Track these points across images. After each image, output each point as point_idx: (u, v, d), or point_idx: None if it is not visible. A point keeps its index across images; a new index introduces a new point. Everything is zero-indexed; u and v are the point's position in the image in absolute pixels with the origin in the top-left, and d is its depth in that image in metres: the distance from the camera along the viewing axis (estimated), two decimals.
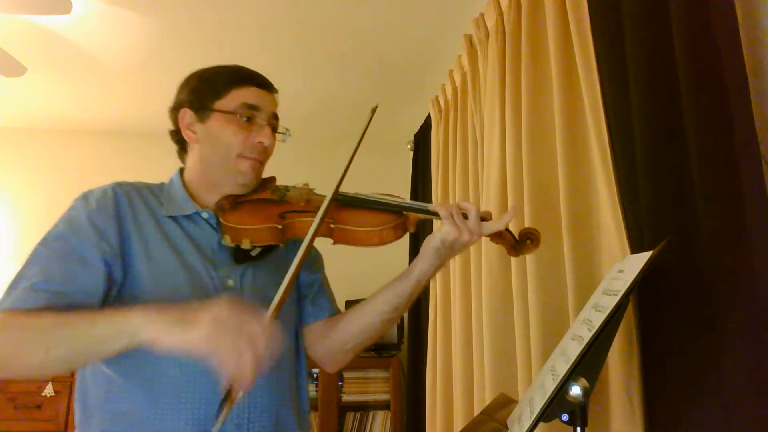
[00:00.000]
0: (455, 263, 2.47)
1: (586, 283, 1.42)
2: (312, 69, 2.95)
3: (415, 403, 3.31)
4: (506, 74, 1.90)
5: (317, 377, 3.44)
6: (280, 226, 1.09)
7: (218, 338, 0.82)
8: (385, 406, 3.49)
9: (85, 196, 1.09)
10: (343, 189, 1.11)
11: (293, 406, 1.14)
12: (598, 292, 1.12)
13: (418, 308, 3.37)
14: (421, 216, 1.14)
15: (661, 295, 1.15)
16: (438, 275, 2.75)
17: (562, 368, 0.93)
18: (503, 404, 1.20)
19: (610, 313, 0.93)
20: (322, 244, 1.16)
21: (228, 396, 0.83)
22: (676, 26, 1.10)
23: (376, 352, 3.54)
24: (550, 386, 0.92)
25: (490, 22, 2.13)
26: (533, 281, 1.60)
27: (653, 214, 1.17)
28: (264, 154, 1.16)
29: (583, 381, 0.89)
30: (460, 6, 2.34)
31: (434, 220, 1.16)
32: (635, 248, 1.22)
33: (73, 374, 1.11)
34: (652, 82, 1.18)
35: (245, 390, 0.84)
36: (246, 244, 1.07)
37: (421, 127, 3.53)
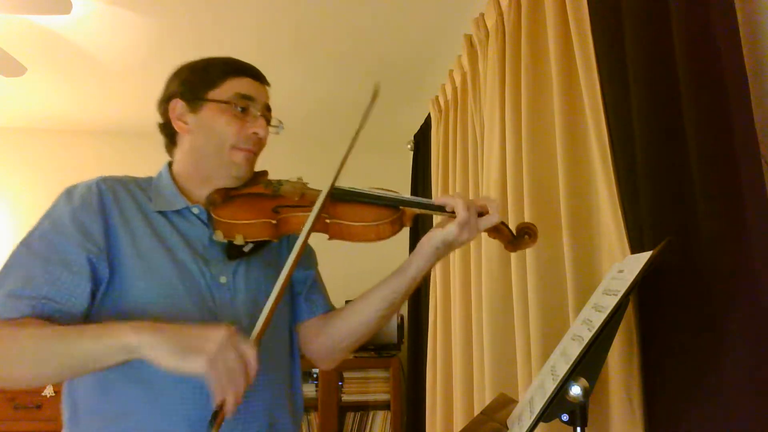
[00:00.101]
0: (455, 263, 2.47)
1: (586, 283, 1.42)
2: (312, 69, 2.95)
3: (415, 403, 3.32)
4: (506, 74, 1.90)
5: (317, 377, 3.45)
6: (274, 221, 1.07)
7: (218, 371, 0.83)
8: (385, 406, 3.49)
9: (69, 193, 1.06)
10: (337, 183, 1.09)
11: (288, 406, 1.13)
12: (598, 292, 1.12)
13: (418, 308, 3.38)
14: (421, 211, 1.12)
15: (661, 295, 1.15)
16: (438, 275, 2.77)
17: (562, 368, 0.93)
18: (503, 404, 1.20)
19: (610, 313, 0.93)
20: (319, 242, 1.14)
21: (217, 415, 0.84)
22: (676, 26, 1.10)
23: (376, 352, 3.54)
24: (550, 386, 0.92)
25: (490, 22, 2.13)
26: (533, 281, 1.60)
27: (653, 214, 1.17)
28: (258, 145, 1.14)
29: (583, 381, 0.89)
30: (460, 6, 2.33)
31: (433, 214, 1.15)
32: (635, 248, 1.22)
33: None
34: (652, 82, 1.18)
35: (233, 412, 0.85)
36: (239, 240, 1.05)
37: (421, 127, 3.53)
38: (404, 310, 3.66)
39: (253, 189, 1.13)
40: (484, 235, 1.12)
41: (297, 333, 1.21)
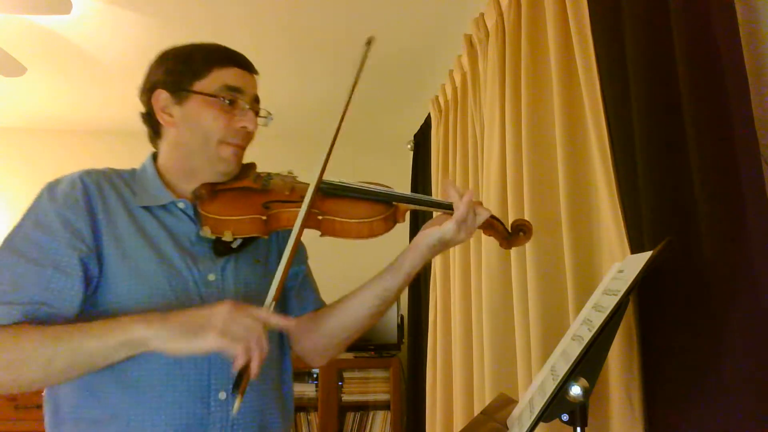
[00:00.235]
0: (455, 263, 2.47)
1: (586, 283, 1.42)
2: (311, 69, 2.95)
3: (415, 403, 3.32)
4: (506, 74, 1.90)
5: (317, 377, 3.45)
6: (264, 217, 1.03)
7: (232, 335, 0.84)
8: (385, 406, 3.49)
9: (51, 189, 1.01)
10: (329, 177, 1.06)
11: (278, 405, 1.10)
12: (598, 292, 1.12)
13: (418, 308, 3.37)
14: (414, 207, 1.10)
15: (661, 295, 1.15)
16: (438, 275, 2.77)
17: (562, 368, 0.93)
18: (503, 404, 1.20)
19: (610, 313, 0.93)
20: (315, 237, 1.10)
21: (242, 379, 0.85)
22: (676, 26, 1.10)
23: (376, 352, 3.54)
24: (550, 386, 0.92)
25: (490, 22, 2.13)
26: (533, 281, 1.60)
27: (653, 214, 1.17)
28: (247, 139, 1.10)
29: (583, 381, 0.89)
30: (460, 6, 2.33)
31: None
32: (635, 248, 1.22)
33: None
34: (652, 82, 1.18)
35: (255, 376, 0.86)
36: (227, 236, 1.01)
37: (421, 127, 3.53)
38: (404, 310, 3.66)
39: (242, 183, 1.09)
40: (481, 233, 1.11)
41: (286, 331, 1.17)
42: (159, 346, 0.86)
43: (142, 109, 1.13)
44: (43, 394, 1.02)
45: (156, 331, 0.86)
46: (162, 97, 1.08)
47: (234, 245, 1.06)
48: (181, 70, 1.07)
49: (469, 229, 1.04)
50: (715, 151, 1.00)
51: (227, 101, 1.06)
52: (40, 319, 0.91)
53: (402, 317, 3.63)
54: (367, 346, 3.53)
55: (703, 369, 1.03)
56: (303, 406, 3.44)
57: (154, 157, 1.14)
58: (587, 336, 0.94)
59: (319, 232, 1.06)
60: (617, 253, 1.29)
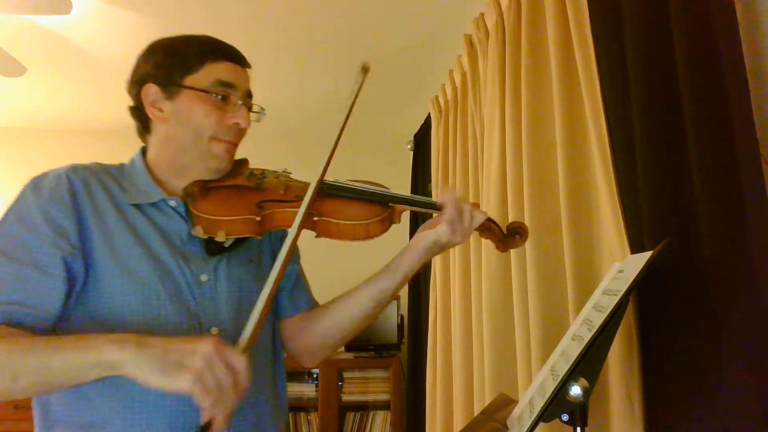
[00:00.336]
0: (455, 263, 2.47)
1: (586, 283, 1.42)
2: (311, 69, 2.95)
3: (415, 403, 3.32)
4: (506, 74, 1.90)
5: (317, 377, 3.45)
6: (258, 218, 1.00)
7: (205, 387, 0.78)
8: (385, 406, 3.49)
9: (36, 185, 0.97)
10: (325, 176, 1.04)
11: (272, 405, 1.08)
12: (598, 292, 1.12)
13: (418, 308, 3.38)
14: (411, 208, 1.09)
15: (661, 295, 1.15)
16: (438, 275, 2.77)
17: (562, 368, 0.93)
18: (503, 404, 1.20)
19: (610, 313, 0.93)
20: (307, 238, 1.06)
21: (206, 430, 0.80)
22: (676, 26, 1.10)
23: (376, 352, 3.54)
24: (550, 386, 0.92)
25: (490, 22, 2.13)
26: (533, 281, 1.60)
27: (653, 214, 1.17)
28: (239, 135, 1.07)
29: (583, 381, 0.89)
30: (460, 6, 2.33)
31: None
32: (635, 248, 1.22)
33: None
34: (652, 82, 1.18)
35: (223, 426, 0.80)
36: (220, 237, 0.98)
37: (421, 127, 3.53)
38: (404, 310, 3.66)
39: (235, 181, 1.07)
40: (475, 234, 1.11)
41: (279, 330, 1.16)
42: (130, 373, 0.80)
43: None
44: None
45: (130, 356, 0.80)
46: (152, 91, 1.04)
47: (226, 244, 1.03)
48: (171, 63, 1.04)
49: (465, 231, 1.03)
50: (715, 151, 1.00)
51: (219, 97, 1.03)
52: (17, 320, 0.88)
53: (402, 317, 3.64)
54: (367, 346, 3.53)
55: (703, 369, 1.03)
56: (303, 406, 3.45)
57: (144, 151, 1.10)
58: (587, 336, 0.94)
59: (314, 233, 1.04)
60: (617, 253, 1.29)
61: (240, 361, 0.81)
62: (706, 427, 1.02)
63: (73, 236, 0.94)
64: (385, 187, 1.10)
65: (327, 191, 1.05)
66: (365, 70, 1.07)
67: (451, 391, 2.49)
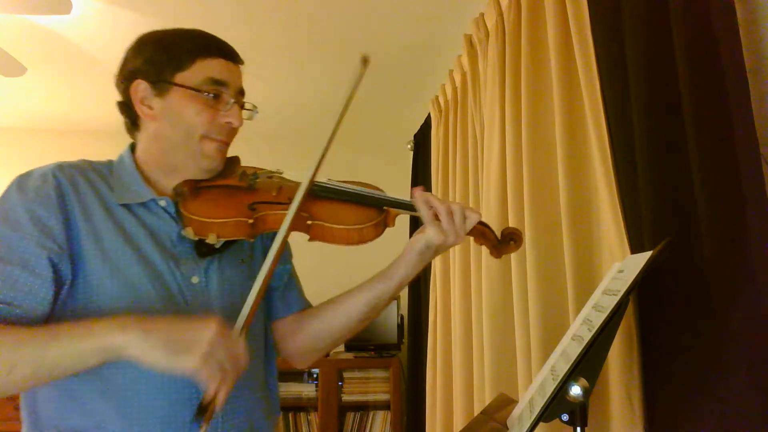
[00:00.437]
0: (455, 263, 2.47)
1: (586, 283, 1.42)
2: (311, 69, 2.95)
3: (415, 403, 3.32)
4: (506, 74, 1.90)
5: (317, 377, 3.45)
6: (250, 221, 0.98)
7: (210, 368, 0.81)
8: (385, 406, 3.49)
9: (21, 184, 0.94)
10: (318, 176, 1.02)
11: (265, 406, 1.07)
12: (598, 292, 1.12)
13: (418, 308, 3.38)
14: (403, 212, 1.06)
15: (661, 295, 1.15)
16: (438, 275, 2.77)
17: (562, 368, 0.93)
18: (503, 404, 1.20)
19: (610, 313, 0.93)
20: (301, 238, 1.05)
21: (207, 409, 0.82)
22: (676, 26, 1.10)
23: (376, 352, 3.54)
24: (550, 386, 0.92)
25: (490, 22, 2.13)
26: (533, 281, 1.60)
27: (653, 214, 1.17)
28: (231, 135, 1.04)
29: (583, 381, 0.89)
30: (460, 6, 2.33)
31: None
32: (635, 248, 1.22)
33: None
34: (652, 82, 1.18)
35: (220, 409, 0.84)
36: (211, 239, 0.96)
37: (421, 127, 3.53)
38: (404, 310, 3.66)
39: (226, 181, 1.04)
40: (470, 240, 1.10)
41: (271, 330, 1.15)
42: (135, 355, 0.80)
43: None
44: (20, 399, 0.98)
45: (135, 338, 0.80)
46: (141, 87, 1.01)
47: (217, 246, 1.01)
48: (162, 60, 1.00)
49: (458, 230, 1.01)
50: (715, 151, 1.00)
51: (211, 95, 1.00)
52: (6, 321, 0.86)
53: (402, 317, 3.64)
54: (367, 346, 3.53)
55: (703, 369, 1.03)
56: (303, 406, 3.45)
57: (133, 148, 1.07)
58: (587, 336, 0.94)
59: (307, 237, 1.02)
60: (617, 253, 1.29)
61: (240, 343, 0.84)
62: (707, 427, 1.02)
63: (60, 237, 0.92)
64: (380, 190, 1.09)
65: (319, 193, 1.03)
66: (365, 62, 1.05)
67: (451, 391, 2.49)
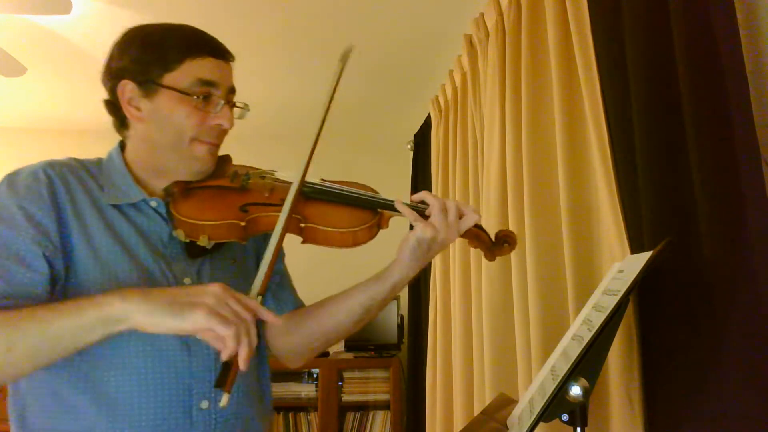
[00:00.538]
0: (455, 263, 2.47)
1: (586, 283, 1.42)
2: (311, 69, 2.95)
3: (415, 403, 3.32)
4: (506, 74, 1.90)
5: (317, 377, 3.45)
6: (242, 223, 0.96)
7: (219, 316, 0.77)
8: (385, 406, 3.49)
9: (11, 182, 0.93)
10: (309, 177, 1.00)
11: (259, 406, 1.06)
12: (598, 292, 1.12)
13: (418, 308, 3.38)
14: (397, 214, 1.04)
15: (661, 295, 1.15)
16: (438, 275, 2.77)
17: (562, 368, 0.93)
18: (503, 404, 1.20)
19: (610, 313, 0.93)
20: (294, 238, 1.03)
21: (228, 372, 0.78)
22: (676, 26, 1.10)
23: (376, 352, 3.54)
24: (550, 386, 0.92)
25: (490, 22, 2.13)
26: (533, 281, 1.60)
27: (653, 214, 1.17)
28: (222, 136, 1.02)
29: (583, 381, 0.89)
30: (460, 6, 2.33)
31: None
32: (635, 248, 1.22)
33: None
34: (652, 82, 1.18)
35: (245, 367, 0.79)
36: (203, 241, 0.94)
37: (421, 127, 3.53)
38: (404, 310, 3.66)
39: (218, 181, 1.02)
40: (464, 244, 1.10)
41: (264, 330, 1.12)
42: (140, 322, 0.78)
43: None
44: (8, 404, 0.94)
45: (137, 305, 0.78)
46: (128, 88, 0.98)
47: (209, 246, 0.98)
48: (149, 60, 0.98)
49: (450, 228, 0.99)
50: (715, 151, 1.00)
51: (201, 98, 0.97)
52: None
53: (402, 317, 3.64)
54: (367, 346, 3.53)
55: (703, 369, 1.03)
56: (303, 406, 3.45)
57: (122, 146, 1.05)
58: (587, 336, 0.94)
59: (300, 239, 1.01)
60: (617, 253, 1.29)
61: (253, 300, 0.82)
62: (706, 427, 1.02)
63: (54, 235, 0.90)
64: (373, 190, 1.07)
65: (311, 195, 1.02)
66: (345, 56, 1.03)
67: (451, 391, 2.49)
